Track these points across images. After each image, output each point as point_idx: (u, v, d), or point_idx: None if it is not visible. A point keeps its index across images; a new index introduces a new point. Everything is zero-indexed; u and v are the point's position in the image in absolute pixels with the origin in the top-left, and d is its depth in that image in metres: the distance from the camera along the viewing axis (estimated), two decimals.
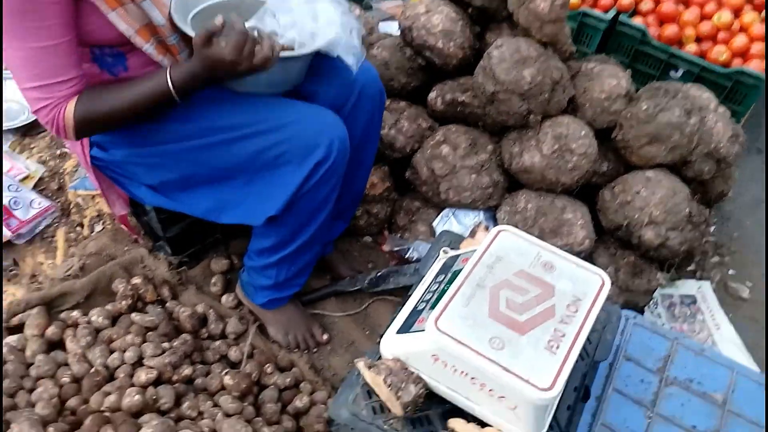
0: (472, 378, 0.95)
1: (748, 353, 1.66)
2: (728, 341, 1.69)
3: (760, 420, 1.23)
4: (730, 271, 1.95)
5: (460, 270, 1.04)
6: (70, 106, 1.06)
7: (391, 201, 1.72)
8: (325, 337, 1.52)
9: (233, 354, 1.40)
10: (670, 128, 1.49)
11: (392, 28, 2.19)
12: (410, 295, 1.18)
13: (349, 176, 1.43)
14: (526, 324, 0.95)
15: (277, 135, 1.15)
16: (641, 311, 1.66)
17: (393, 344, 1.06)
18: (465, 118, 1.67)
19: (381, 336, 1.12)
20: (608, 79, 1.55)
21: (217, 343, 1.42)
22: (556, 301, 0.98)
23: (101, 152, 1.25)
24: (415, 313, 1.09)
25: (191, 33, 1.08)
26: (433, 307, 1.01)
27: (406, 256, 1.64)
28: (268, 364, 1.38)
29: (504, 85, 1.44)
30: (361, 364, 1.06)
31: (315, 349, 1.51)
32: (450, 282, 1.06)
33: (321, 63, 1.27)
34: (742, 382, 1.30)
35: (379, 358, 1.10)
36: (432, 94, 1.67)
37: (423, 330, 0.97)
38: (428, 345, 0.96)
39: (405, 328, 1.06)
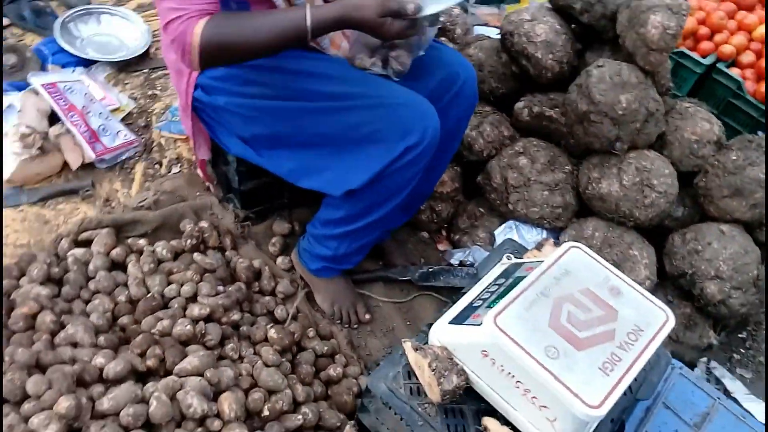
0: (518, 381, 0.95)
1: None
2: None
3: None
4: None
5: (524, 276, 1.04)
6: (200, 24, 1.03)
7: (456, 202, 1.73)
8: (367, 316, 1.54)
9: (279, 312, 1.44)
10: (755, 184, 1.45)
11: (486, 33, 2.22)
12: (465, 292, 1.19)
13: (425, 171, 1.45)
14: (585, 341, 0.94)
15: (376, 112, 1.18)
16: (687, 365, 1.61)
17: (443, 333, 1.07)
18: (548, 134, 1.67)
19: (428, 326, 1.14)
20: (701, 121, 1.52)
21: (267, 298, 1.46)
22: (617, 326, 0.98)
23: (204, 95, 1.29)
24: (471, 309, 1.09)
25: None
26: (491, 306, 1.02)
27: (462, 258, 1.64)
28: (310, 329, 1.41)
29: (598, 106, 1.43)
30: (408, 345, 1.08)
31: (356, 326, 1.53)
32: (512, 286, 1.06)
33: (425, 57, 1.29)
34: None
35: (425, 344, 1.11)
36: (519, 104, 1.67)
37: (479, 324, 0.98)
38: (482, 339, 0.97)
39: (458, 320, 1.07)
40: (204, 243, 1.52)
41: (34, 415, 0.95)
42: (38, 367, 1.09)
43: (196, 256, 1.45)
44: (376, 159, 1.19)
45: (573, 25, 1.67)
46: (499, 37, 1.72)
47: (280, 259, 1.59)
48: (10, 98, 1.73)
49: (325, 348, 1.39)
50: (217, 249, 1.54)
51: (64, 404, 0.95)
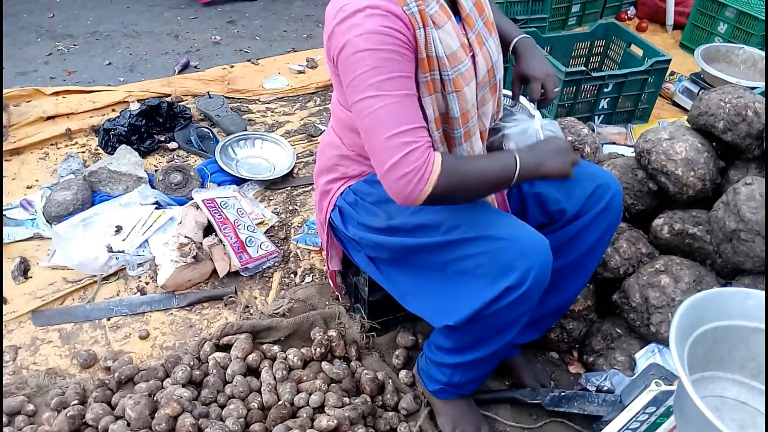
0: None
1: None
2: None
3: None
4: None
5: None
6: (438, 156, 1.06)
7: (588, 321, 1.64)
8: None
9: (402, 430, 1.40)
10: None
11: (616, 151, 2.22)
12: (608, 420, 1.10)
13: (560, 287, 1.40)
14: None
15: (481, 246, 1.13)
16: None
17: None
18: (691, 252, 1.56)
19: None
20: None
21: (390, 414, 1.43)
22: None
23: (339, 218, 1.39)
24: None
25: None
26: None
27: (598, 383, 1.52)
28: None
29: (748, 225, 1.34)
30: None
31: None
32: (665, 416, 0.96)
33: (576, 168, 1.28)
34: None
35: None
36: (658, 221, 1.60)
37: None
38: None
39: None
40: (331, 352, 1.55)
41: None
42: None
43: (324, 365, 1.48)
44: (474, 297, 1.14)
45: (714, 143, 1.62)
46: (632, 154, 1.70)
47: (403, 373, 1.57)
48: (172, 211, 1.97)
49: None
50: (343, 359, 1.56)
51: None
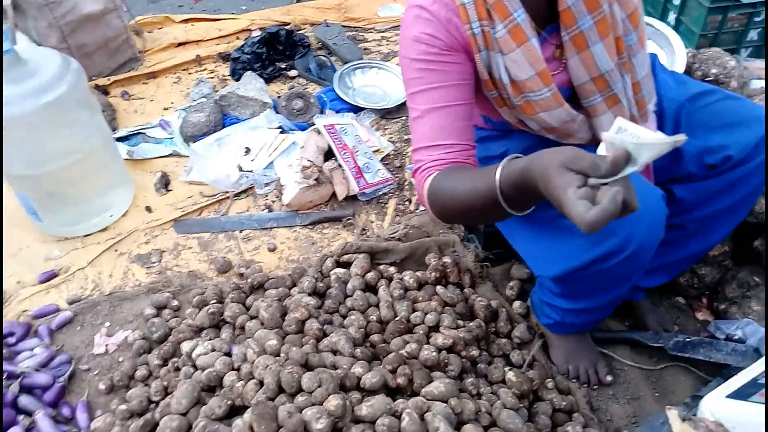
0: None
1: None
2: None
3: None
4: None
5: None
6: (430, 179, 1.02)
7: (723, 267, 1.54)
8: (609, 378, 1.42)
9: (515, 357, 1.42)
10: None
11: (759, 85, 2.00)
12: (742, 367, 1.05)
13: (704, 234, 1.33)
14: None
15: None
16: None
17: (720, 407, 0.95)
18: None
19: (692, 398, 1.01)
20: None
21: (503, 341, 1.45)
22: None
23: None
24: (755, 385, 0.96)
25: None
26: None
27: (729, 332, 1.44)
28: (548, 380, 1.36)
29: None
30: (674, 413, 0.97)
31: (595, 386, 1.43)
32: None
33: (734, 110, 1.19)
34: None
35: (694, 415, 0.99)
36: None
37: None
38: None
39: (740, 396, 0.94)
40: (446, 277, 1.58)
41: (307, 408, 1.05)
42: (305, 366, 1.22)
43: (439, 288, 1.51)
44: (574, 255, 1.08)
45: None
46: None
47: (517, 304, 1.57)
48: (294, 136, 2.04)
49: (563, 403, 1.32)
50: (457, 285, 1.58)
51: (334, 402, 1.04)
